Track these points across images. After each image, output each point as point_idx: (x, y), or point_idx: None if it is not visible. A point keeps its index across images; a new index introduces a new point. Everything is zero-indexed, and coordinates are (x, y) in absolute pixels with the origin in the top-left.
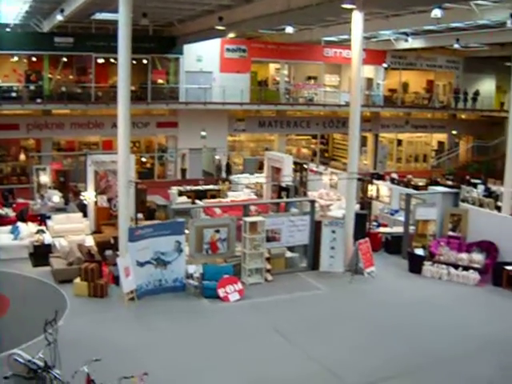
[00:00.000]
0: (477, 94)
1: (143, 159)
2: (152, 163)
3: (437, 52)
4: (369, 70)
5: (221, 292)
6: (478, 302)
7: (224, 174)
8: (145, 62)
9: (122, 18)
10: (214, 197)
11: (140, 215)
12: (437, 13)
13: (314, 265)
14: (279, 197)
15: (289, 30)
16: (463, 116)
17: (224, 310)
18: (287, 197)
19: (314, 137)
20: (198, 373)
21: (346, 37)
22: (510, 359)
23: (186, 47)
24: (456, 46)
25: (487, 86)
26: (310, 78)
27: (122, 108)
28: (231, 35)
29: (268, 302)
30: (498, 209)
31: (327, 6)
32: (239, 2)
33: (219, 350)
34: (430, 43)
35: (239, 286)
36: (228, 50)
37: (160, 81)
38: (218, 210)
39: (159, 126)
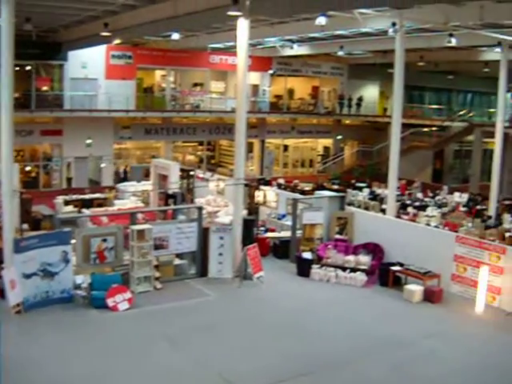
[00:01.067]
0: (361, 99)
1: (27, 168)
2: (37, 172)
3: (322, 59)
4: (255, 77)
5: (110, 302)
6: (367, 303)
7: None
8: (28, 68)
9: (4, 22)
10: (100, 205)
11: (25, 226)
12: (321, 20)
13: (203, 271)
14: (166, 204)
15: (175, 36)
16: (348, 121)
17: (113, 320)
18: (174, 204)
19: (201, 143)
20: None
21: (232, 44)
22: (400, 359)
23: (71, 54)
24: (340, 53)
25: (371, 92)
26: (196, 84)
27: (5, 116)
28: (117, 41)
29: (158, 310)
30: (383, 211)
31: (213, 12)
32: (125, 8)
33: (109, 360)
34: (314, 50)
35: (128, 294)
36: (113, 56)
37: (44, 88)
38: (104, 219)
39: (44, 134)
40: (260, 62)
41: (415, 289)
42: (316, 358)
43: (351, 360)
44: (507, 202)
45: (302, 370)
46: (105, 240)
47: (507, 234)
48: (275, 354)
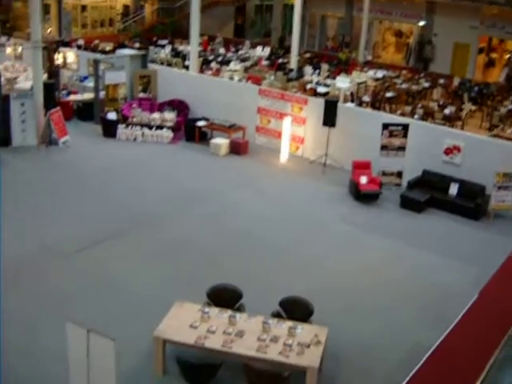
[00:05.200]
0: None
1: None
2: None
3: None
4: None
5: None
6: (175, 159)
7: None
8: None
9: None
10: None
11: None
12: None
13: (6, 140)
14: None
15: None
16: None
17: None
18: None
19: None
20: None
21: None
22: (211, 209)
23: None
24: None
25: None
26: None
27: None
28: None
29: None
30: (186, 68)
31: None
32: None
33: None
34: None
35: None
36: None
37: None
38: None
39: None
40: None
41: (221, 142)
42: (129, 216)
43: (164, 214)
44: (308, 55)
45: (115, 230)
46: None
47: (308, 86)
48: (94, 216)
